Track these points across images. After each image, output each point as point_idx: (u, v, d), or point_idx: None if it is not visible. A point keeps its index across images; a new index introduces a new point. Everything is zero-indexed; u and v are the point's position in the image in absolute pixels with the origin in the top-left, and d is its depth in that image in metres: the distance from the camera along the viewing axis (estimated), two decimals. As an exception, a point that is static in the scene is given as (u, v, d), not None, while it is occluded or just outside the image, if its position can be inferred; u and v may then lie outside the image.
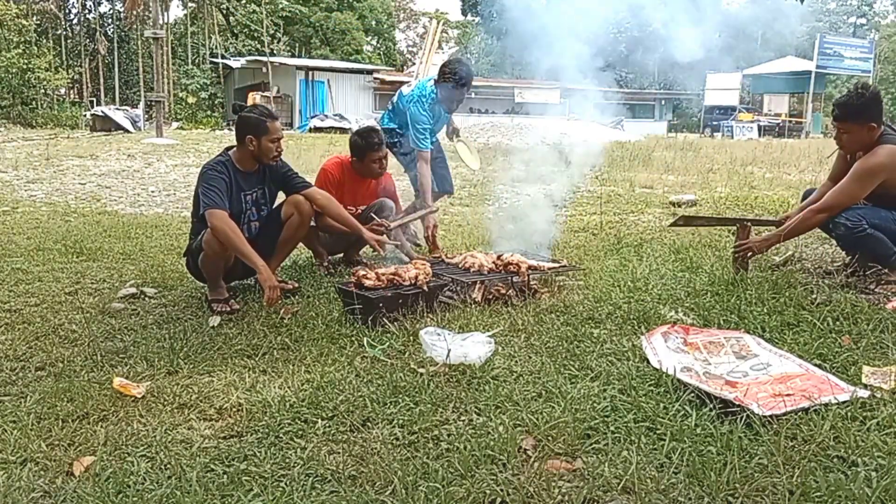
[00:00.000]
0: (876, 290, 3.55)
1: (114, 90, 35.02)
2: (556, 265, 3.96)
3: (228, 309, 3.47)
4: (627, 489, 1.82)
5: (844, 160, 3.73)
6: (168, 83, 29.80)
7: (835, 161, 3.86)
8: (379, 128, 4.55)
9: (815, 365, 2.53)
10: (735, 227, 3.84)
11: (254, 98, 26.14)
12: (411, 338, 2.98)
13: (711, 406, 2.19)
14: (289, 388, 2.48)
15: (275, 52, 34.03)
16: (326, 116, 24.84)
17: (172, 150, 14.20)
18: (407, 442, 2.10)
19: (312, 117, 25.31)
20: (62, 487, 1.89)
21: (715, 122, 31.43)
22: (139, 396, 2.46)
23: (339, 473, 1.92)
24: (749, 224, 3.78)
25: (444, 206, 7.30)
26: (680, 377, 2.39)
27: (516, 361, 2.72)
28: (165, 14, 32.44)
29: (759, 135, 28.41)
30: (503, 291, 3.60)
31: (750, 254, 3.66)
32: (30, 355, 2.92)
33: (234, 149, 3.63)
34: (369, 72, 31.10)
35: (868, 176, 3.39)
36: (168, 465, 1.99)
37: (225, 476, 1.92)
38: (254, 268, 3.31)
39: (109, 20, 38.19)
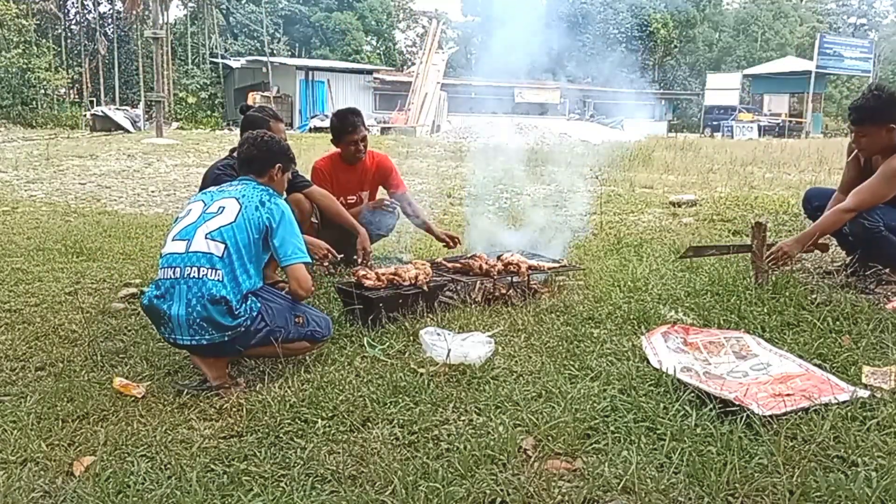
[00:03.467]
0: (876, 290, 3.55)
1: (114, 90, 35.00)
2: (556, 265, 3.95)
3: None
4: (627, 489, 1.82)
5: (856, 168, 3.65)
6: (168, 83, 29.78)
7: (845, 170, 3.78)
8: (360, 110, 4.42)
9: (815, 365, 2.53)
10: (748, 244, 3.68)
11: (254, 98, 26.14)
12: (411, 338, 2.98)
13: (711, 406, 2.19)
14: (289, 388, 2.48)
15: (275, 52, 34.05)
16: (326, 116, 24.83)
17: (172, 150, 14.20)
18: (407, 442, 2.10)
19: (312, 117, 25.34)
20: (62, 487, 1.89)
21: (715, 122, 31.45)
22: (139, 396, 2.46)
23: (339, 473, 1.92)
24: (764, 227, 3.64)
25: (445, 206, 7.31)
26: (680, 377, 2.39)
27: (516, 361, 2.72)
28: (165, 14, 32.40)
29: (759, 135, 28.42)
30: (503, 291, 3.60)
31: (786, 258, 3.50)
32: (30, 355, 2.92)
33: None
34: (369, 72, 31.11)
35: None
36: (168, 465, 1.99)
37: (225, 476, 1.92)
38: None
39: (109, 20, 38.19)
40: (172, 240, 2.63)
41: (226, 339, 2.50)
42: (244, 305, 2.52)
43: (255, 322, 2.54)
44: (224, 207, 2.63)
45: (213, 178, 3.48)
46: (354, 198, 4.40)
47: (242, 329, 2.51)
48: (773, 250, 3.52)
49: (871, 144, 3.48)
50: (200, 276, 2.49)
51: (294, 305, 2.71)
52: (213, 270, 2.50)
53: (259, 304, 2.57)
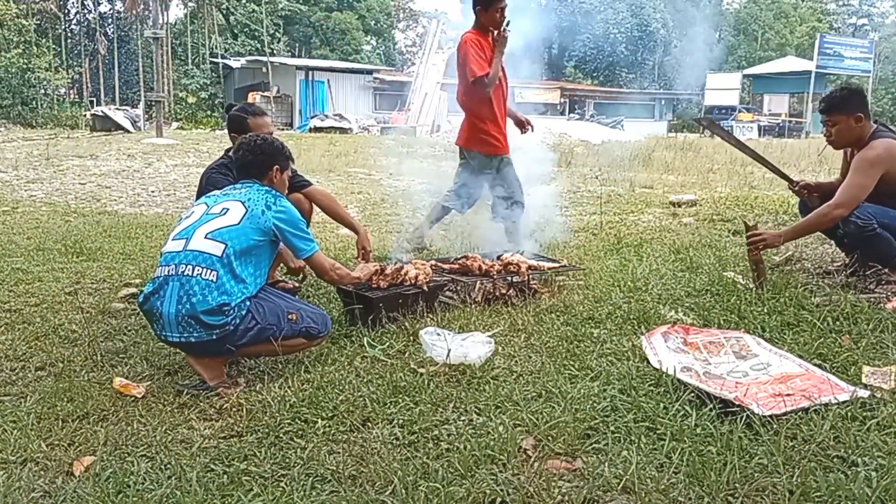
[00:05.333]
0: (876, 290, 3.55)
1: (114, 90, 35.01)
2: (556, 265, 3.96)
3: None
4: (627, 489, 1.82)
5: (846, 161, 3.74)
6: (168, 83, 29.78)
7: (842, 162, 3.86)
8: None
9: (815, 365, 2.53)
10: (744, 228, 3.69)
11: (254, 98, 26.15)
12: (411, 338, 2.98)
13: (711, 406, 2.19)
14: (289, 387, 2.48)
15: (275, 51, 34.05)
16: (326, 116, 24.84)
17: (172, 150, 14.20)
18: (407, 442, 2.10)
19: (312, 117, 25.31)
20: (62, 487, 1.89)
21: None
22: (139, 396, 2.47)
23: (339, 473, 1.92)
24: (755, 225, 3.62)
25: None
26: (680, 377, 2.40)
27: (516, 361, 2.72)
28: (165, 14, 32.43)
29: (759, 135, 28.43)
30: (503, 291, 3.60)
31: (763, 245, 3.48)
32: (30, 355, 2.92)
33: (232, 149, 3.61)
34: (369, 72, 31.10)
35: (869, 166, 3.39)
36: (168, 465, 1.99)
37: (225, 476, 1.92)
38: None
39: (109, 20, 38.19)
40: (172, 239, 2.65)
41: (213, 337, 2.49)
42: (235, 305, 2.51)
43: (244, 321, 2.54)
44: (228, 209, 2.64)
45: (208, 179, 3.48)
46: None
47: (231, 328, 2.51)
48: (756, 233, 3.48)
49: (841, 134, 3.57)
50: (194, 274, 2.49)
51: (287, 302, 2.71)
52: (209, 270, 2.50)
53: (249, 303, 2.57)
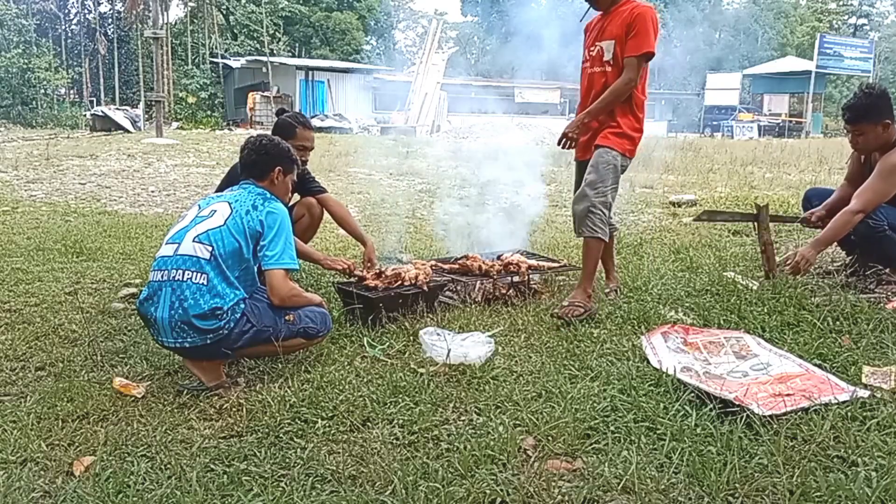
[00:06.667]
0: (876, 290, 3.55)
1: (114, 90, 35.00)
2: (556, 265, 3.96)
3: None
4: (627, 489, 1.82)
5: (859, 161, 3.71)
6: (168, 83, 29.76)
7: (850, 164, 3.83)
8: None
9: (815, 365, 2.53)
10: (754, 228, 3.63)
11: (254, 98, 26.14)
12: (411, 338, 2.98)
13: (711, 406, 2.19)
14: (289, 387, 2.48)
15: (275, 52, 34.05)
16: (326, 116, 24.85)
17: (172, 150, 14.19)
18: (407, 442, 2.10)
19: (312, 117, 25.30)
20: (62, 487, 1.89)
21: (715, 122, 31.43)
22: (139, 396, 2.47)
23: (339, 473, 1.92)
24: (766, 216, 3.61)
25: (445, 207, 7.30)
26: (680, 377, 2.40)
27: (516, 361, 2.72)
28: (165, 14, 32.39)
29: (759, 135, 28.43)
30: (503, 291, 3.60)
31: (808, 265, 3.45)
32: (30, 355, 2.92)
33: None
34: (369, 72, 31.10)
35: (894, 170, 3.38)
36: (168, 465, 1.99)
37: (225, 476, 1.92)
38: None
39: (109, 20, 38.17)
40: (165, 244, 2.63)
41: (208, 341, 2.48)
42: (228, 308, 2.49)
43: (238, 324, 2.52)
44: (215, 211, 2.62)
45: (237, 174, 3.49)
46: (596, 49, 3.56)
47: (224, 332, 2.49)
48: (792, 259, 3.48)
49: (868, 142, 3.52)
50: (185, 279, 2.48)
51: None
52: (199, 274, 2.48)
53: (244, 306, 2.55)
